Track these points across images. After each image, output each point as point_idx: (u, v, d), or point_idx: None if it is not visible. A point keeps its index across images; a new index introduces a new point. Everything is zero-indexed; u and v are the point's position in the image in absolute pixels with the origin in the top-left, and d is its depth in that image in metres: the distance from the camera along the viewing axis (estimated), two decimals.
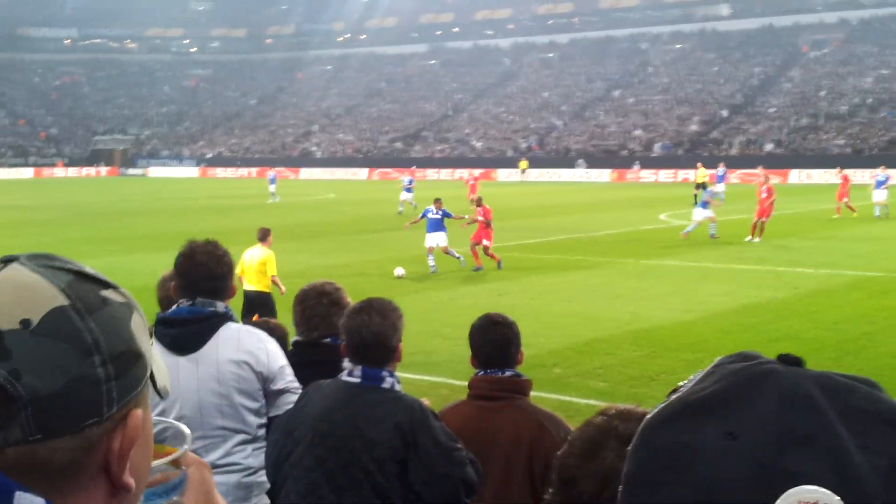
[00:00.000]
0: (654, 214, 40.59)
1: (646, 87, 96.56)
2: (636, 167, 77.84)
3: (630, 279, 21.79)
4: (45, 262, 1.08)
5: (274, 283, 14.49)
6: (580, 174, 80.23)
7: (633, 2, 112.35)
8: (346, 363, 3.82)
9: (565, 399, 11.87)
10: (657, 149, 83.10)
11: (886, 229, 33.27)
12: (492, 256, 23.13)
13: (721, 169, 49.60)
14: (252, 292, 14.21)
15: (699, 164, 50.25)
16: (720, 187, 45.27)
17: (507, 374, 4.18)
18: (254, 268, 14.40)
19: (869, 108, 78.74)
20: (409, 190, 42.43)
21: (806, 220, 37.28)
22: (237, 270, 14.48)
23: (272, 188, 52.73)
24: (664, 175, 77.23)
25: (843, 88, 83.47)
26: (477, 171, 60.15)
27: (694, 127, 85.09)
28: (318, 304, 4.58)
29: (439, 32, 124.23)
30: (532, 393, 11.72)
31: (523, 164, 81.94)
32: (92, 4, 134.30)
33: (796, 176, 67.50)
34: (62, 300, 1.03)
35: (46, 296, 1.02)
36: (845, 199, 37.30)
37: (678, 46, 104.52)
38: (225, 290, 4.33)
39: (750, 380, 0.98)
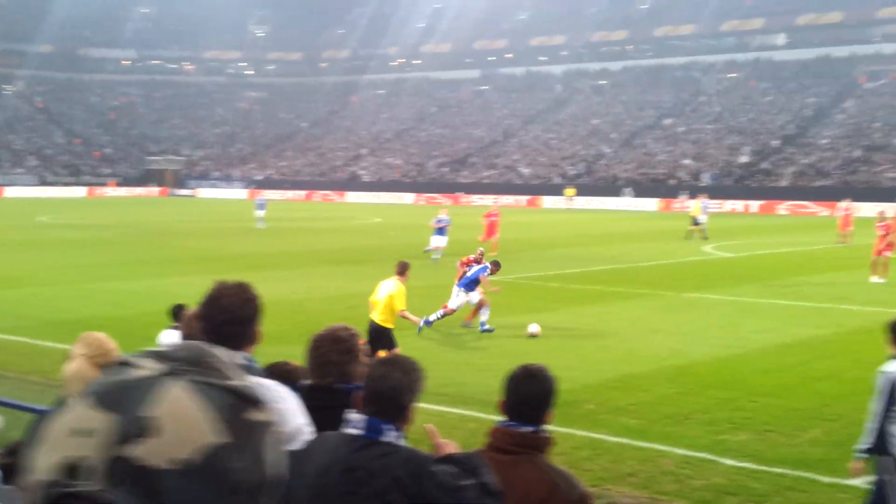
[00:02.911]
0: (697, 246, 40.17)
1: (697, 116, 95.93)
2: (683, 196, 77.23)
3: (670, 313, 21.54)
4: (202, 379, 1.09)
5: (404, 317, 14.80)
6: (627, 202, 79.79)
7: (688, 30, 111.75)
8: (353, 414, 3.79)
9: (596, 437, 11.72)
10: (705, 178, 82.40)
11: None
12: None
13: (704, 200, 48.55)
14: (375, 324, 14.28)
15: (699, 196, 48.97)
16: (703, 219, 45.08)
17: (528, 429, 4.11)
18: (382, 301, 14.45)
19: None
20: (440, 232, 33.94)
21: (853, 256, 36.62)
22: (370, 296, 14.74)
23: (261, 213, 49.91)
24: (712, 206, 76.46)
25: None
26: (499, 202, 59.60)
27: (744, 157, 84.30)
28: (332, 350, 4.53)
29: (493, 58, 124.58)
30: (563, 429, 11.63)
31: (570, 191, 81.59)
32: (152, 27, 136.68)
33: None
34: (217, 437, 1.04)
35: (202, 431, 1.04)
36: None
37: (732, 76, 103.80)
38: (248, 336, 4.20)
39: None
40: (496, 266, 20.05)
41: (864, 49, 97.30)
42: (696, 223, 43.84)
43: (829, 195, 71.49)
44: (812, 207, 71.36)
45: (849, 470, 8.27)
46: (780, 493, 9.58)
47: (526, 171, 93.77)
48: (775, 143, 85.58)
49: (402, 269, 14.77)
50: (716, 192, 78.15)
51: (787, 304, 22.89)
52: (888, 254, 27.82)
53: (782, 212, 72.33)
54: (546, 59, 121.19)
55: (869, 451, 7.78)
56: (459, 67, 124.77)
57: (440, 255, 32.30)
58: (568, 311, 21.72)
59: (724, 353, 17.02)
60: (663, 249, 38.32)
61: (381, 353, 13.32)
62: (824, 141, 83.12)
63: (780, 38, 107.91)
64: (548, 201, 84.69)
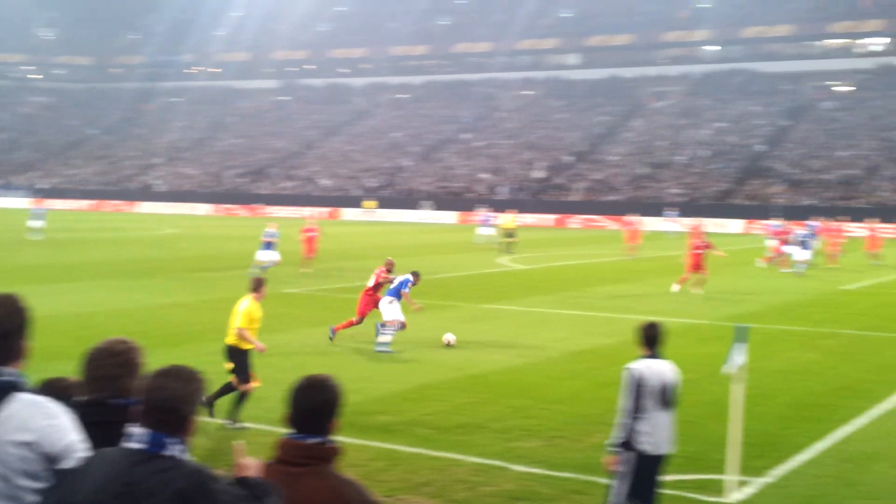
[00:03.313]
0: (493, 258, 41.04)
1: (495, 132, 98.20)
2: (482, 209, 78.77)
3: (467, 323, 21.85)
4: None
5: (241, 336, 12.89)
6: (426, 215, 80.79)
7: (486, 47, 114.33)
8: (134, 428, 3.60)
9: (390, 447, 11.70)
10: (502, 192, 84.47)
11: (714, 280, 34.37)
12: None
13: (484, 213, 50.58)
14: (229, 346, 13.04)
15: (512, 210, 50.45)
16: (487, 230, 47.28)
17: (313, 440, 4.03)
18: (232, 319, 13.15)
19: (704, 160, 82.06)
20: None
21: (638, 269, 38.29)
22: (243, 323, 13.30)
23: (37, 224, 47.29)
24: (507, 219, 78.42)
25: (682, 139, 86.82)
26: (318, 214, 59.23)
27: (539, 172, 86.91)
28: (107, 364, 4.28)
29: (293, 69, 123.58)
30: (358, 440, 11.51)
31: (370, 203, 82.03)
32: None
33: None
34: None
35: None
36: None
37: (527, 93, 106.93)
38: (14, 350, 3.93)
39: None
40: (417, 277, 19.16)
41: (650, 70, 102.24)
42: (509, 236, 44.94)
43: (618, 210, 74.67)
44: (602, 221, 74.25)
45: (602, 465, 8.57)
46: (566, 496, 9.81)
47: (326, 182, 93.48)
48: (568, 158, 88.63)
49: (257, 286, 13.26)
50: (512, 206, 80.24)
51: (577, 314, 23.64)
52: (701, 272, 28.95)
53: (574, 225, 74.95)
54: (347, 71, 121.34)
55: (622, 445, 8.11)
56: (259, 77, 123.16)
57: (269, 267, 31.46)
58: (365, 324, 21.67)
59: (518, 362, 17.38)
60: (461, 261, 38.92)
61: (231, 377, 12.91)
62: (614, 157, 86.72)
63: (573, 58, 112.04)
64: (348, 213, 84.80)
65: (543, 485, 10.30)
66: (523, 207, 79.19)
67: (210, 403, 12.59)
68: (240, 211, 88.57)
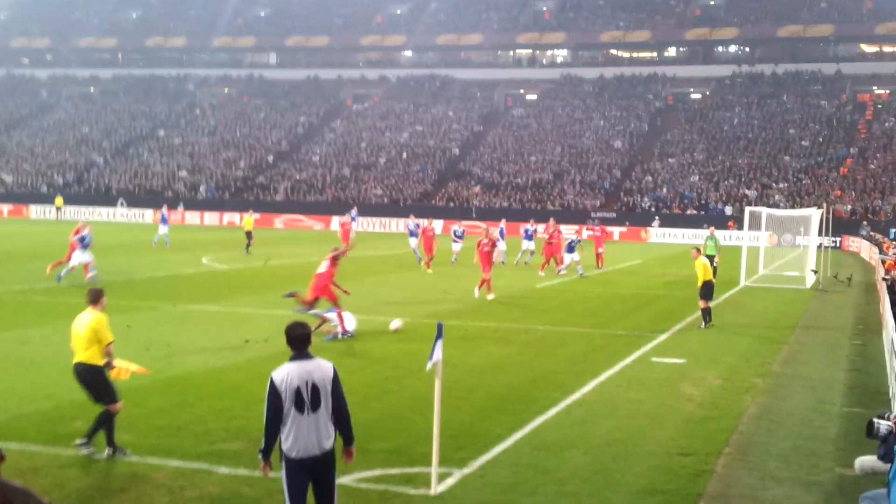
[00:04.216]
0: (197, 258, 40.02)
1: (193, 129, 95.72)
2: (180, 208, 76.81)
3: (168, 324, 21.15)
4: None
5: (108, 355, 11.34)
6: (121, 213, 77.72)
7: (180, 42, 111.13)
8: None
9: (84, 454, 11.08)
10: (202, 191, 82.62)
11: (419, 280, 35.25)
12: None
13: (164, 210, 49.97)
14: (83, 365, 11.25)
15: (249, 210, 49.79)
16: (164, 229, 46.59)
17: None
18: (83, 336, 11.28)
19: (405, 162, 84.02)
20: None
21: (350, 269, 38.57)
22: (71, 343, 11.45)
23: None
24: (209, 218, 76.94)
25: (382, 141, 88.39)
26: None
27: (240, 171, 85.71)
28: None
29: None
30: (49, 448, 10.79)
31: (59, 200, 77.92)
32: None
33: (336, 224, 69.72)
34: None
35: None
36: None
37: (226, 90, 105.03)
38: None
39: None
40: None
41: (350, 73, 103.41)
42: (248, 235, 43.58)
43: (323, 209, 75.17)
44: (307, 221, 74.42)
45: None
46: (271, 496, 9.66)
47: (9, 178, 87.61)
48: (270, 157, 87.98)
49: (96, 298, 11.61)
50: (213, 205, 78.70)
51: (280, 313, 23.41)
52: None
53: (279, 225, 74.60)
54: (28, 61, 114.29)
55: (263, 451, 7.87)
56: None
57: (95, 272, 29.44)
58: (55, 326, 20.46)
59: (221, 363, 16.99)
60: (163, 261, 37.67)
61: (122, 371, 11.45)
62: (316, 158, 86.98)
63: (272, 58, 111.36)
64: (35, 211, 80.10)
65: (247, 486, 10.10)
66: (225, 207, 78.03)
67: (89, 439, 11.10)
68: None
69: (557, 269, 36.84)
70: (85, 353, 11.26)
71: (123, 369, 11.53)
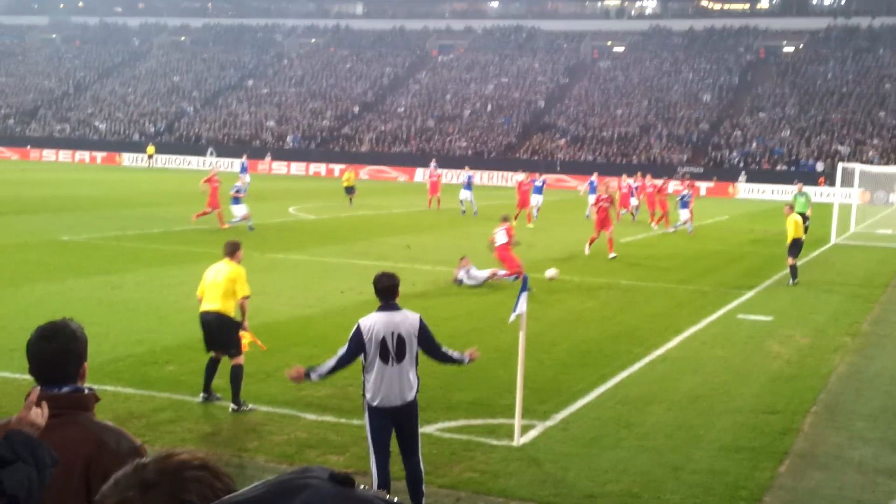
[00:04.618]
0: (283, 207, 40.54)
1: (280, 79, 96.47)
2: (268, 158, 77.68)
3: (256, 273, 21.41)
4: None
5: (243, 309, 11.57)
6: (210, 162, 78.90)
7: None
8: None
9: (177, 398, 11.43)
10: (289, 141, 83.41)
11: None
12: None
13: (244, 160, 51.16)
14: (217, 314, 11.40)
15: (348, 166, 49.85)
16: (246, 178, 46.76)
17: (66, 389, 3.84)
18: (221, 285, 11.43)
19: (489, 114, 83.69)
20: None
21: (433, 221, 38.78)
22: (197, 291, 11.71)
23: None
24: (296, 168, 77.69)
25: (467, 93, 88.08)
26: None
27: (326, 122, 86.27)
28: None
29: (62, 5, 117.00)
30: (142, 391, 11.17)
31: (151, 149, 79.34)
32: None
33: (421, 175, 69.90)
34: None
35: None
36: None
37: (313, 41, 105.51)
38: None
39: (286, 489, 1.11)
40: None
41: (435, 24, 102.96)
42: (349, 191, 43.38)
43: (406, 161, 75.31)
44: (391, 172, 74.62)
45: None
46: (356, 443, 9.84)
47: (102, 126, 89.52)
48: (356, 108, 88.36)
49: (234, 250, 11.83)
50: (299, 155, 79.45)
51: (366, 263, 23.65)
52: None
53: (364, 176, 74.88)
54: (121, 9, 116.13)
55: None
56: (25, 13, 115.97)
57: (251, 222, 30.58)
58: (148, 272, 21.01)
59: (307, 311, 17.28)
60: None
61: (246, 338, 11.45)
62: (401, 109, 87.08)
63: (358, 8, 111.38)
64: (127, 159, 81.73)
65: (334, 432, 10.31)
66: (311, 157, 78.70)
67: (238, 403, 11.17)
68: (10, 154, 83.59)
69: (667, 225, 36.18)
70: (221, 303, 11.36)
71: (248, 335, 11.72)
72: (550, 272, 21.80)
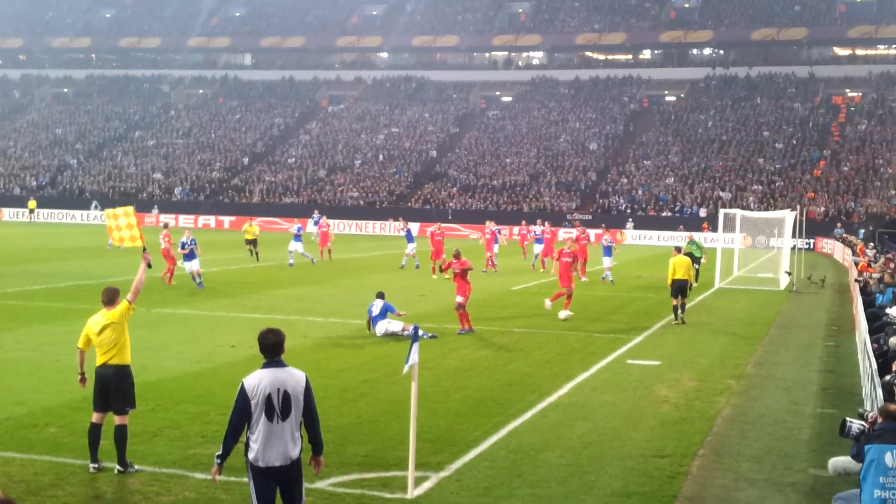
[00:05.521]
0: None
1: (167, 130, 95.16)
2: (154, 211, 76.33)
3: (141, 329, 20.93)
4: None
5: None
6: (95, 216, 77.22)
7: (154, 43, 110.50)
8: None
9: (59, 461, 11.02)
10: (177, 193, 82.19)
11: (392, 281, 35.19)
12: None
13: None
14: (114, 366, 10.83)
15: (249, 219, 48.90)
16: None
17: None
18: (107, 335, 10.87)
19: (381, 164, 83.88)
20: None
21: (325, 270, 38.53)
22: (79, 343, 11.02)
23: None
24: (184, 220, 76.47)
25: (358, 143, 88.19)
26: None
27: (215, 173, 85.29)
28: None
29: None
30: (23, 455, 10.71)
31: (32, 203, 77.43)
32: None
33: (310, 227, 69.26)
34: None
35: None
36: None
37: (200, 91, 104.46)
38: None
39: None
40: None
41: (325, 74, 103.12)
42: (252, 243, 42.46)
43: (298, 212, 74.76)
44: (282, 224, 74.02)
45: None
46: (246, 501, 9.57)
47: None
48: (245, 159, 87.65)
49: (112, 298, 11.27)
50: (188, 208, 78.28)
51: (257, 317, 23.35)
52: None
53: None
54: (1, 62, 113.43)
55: (220, 456, 7.95)
56: None
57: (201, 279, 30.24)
58: (28, 331, 20.35)
59: (195, 367, 16.92)
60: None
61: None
62: (291, 160, 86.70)
63: (247, 59, 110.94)
64: (7, 213, 79.56)
65: (223, 491, 10.06)
66: (200, 209, 77.63)
67: (125, 464, 10.75)
68: None
69: (582, 275, 35.78)
70: (118, 354, 10.92)
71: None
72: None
